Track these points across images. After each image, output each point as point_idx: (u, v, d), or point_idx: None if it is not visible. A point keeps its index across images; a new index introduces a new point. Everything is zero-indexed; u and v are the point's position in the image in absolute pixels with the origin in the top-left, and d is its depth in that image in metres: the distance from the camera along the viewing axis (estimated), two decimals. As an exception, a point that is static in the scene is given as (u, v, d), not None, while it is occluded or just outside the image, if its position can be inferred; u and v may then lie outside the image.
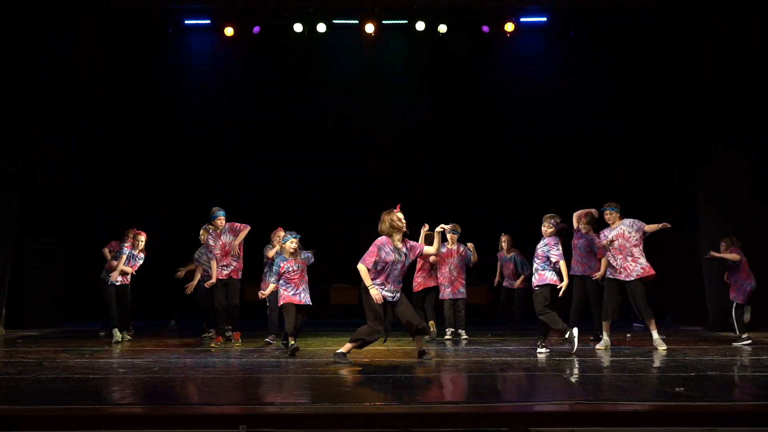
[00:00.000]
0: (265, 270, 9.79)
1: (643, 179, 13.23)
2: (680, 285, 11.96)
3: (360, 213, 10.31)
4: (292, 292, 8.27)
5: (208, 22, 13.73)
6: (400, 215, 7.43)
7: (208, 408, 5.07)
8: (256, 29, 13.56)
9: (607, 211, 8.64)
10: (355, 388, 6.01)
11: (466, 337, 9.93)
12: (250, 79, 14.22)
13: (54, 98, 12.15)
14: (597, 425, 4.70)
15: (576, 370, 6.72)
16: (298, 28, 13.42)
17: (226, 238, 9.53)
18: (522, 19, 13.68)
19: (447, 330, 10.14)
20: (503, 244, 11.34)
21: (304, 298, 8.34)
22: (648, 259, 8.48)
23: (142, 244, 9.98)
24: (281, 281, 8.33)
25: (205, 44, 13.97)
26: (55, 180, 12.13)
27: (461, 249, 10.19)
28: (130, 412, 5.00)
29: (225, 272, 9.52)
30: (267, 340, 9.47)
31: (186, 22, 13.77)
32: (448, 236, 9.87)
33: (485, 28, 13.61)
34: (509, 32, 13.57)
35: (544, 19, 13.89)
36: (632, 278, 8.37)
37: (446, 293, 10.10)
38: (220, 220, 9.51)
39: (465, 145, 14.15)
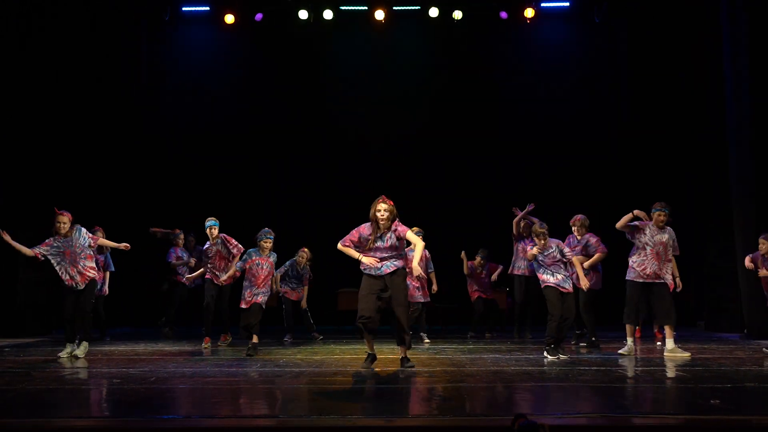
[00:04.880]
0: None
1: (672, 177, 13.12)
2: (715, 290, 11.88)
3: (367, 212, 10.19)
4: (255, 292, 9.05)
5: (207, 8, 13.80)
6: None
7: (208, 421, 5.04)
8: (259, 16, 13.57)
9: (660, 212, 8.45)
10: (365, 399, 5.97)
11: (428, 341, 10.46)
12: (250, 70, 14.19)
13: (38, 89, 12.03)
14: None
15: (599, 380, 6.67)
16: (303, 15, 13.43)
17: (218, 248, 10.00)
18: (543, 5, 13.65)
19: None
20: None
21: (261, 299, 9.12)
22: (680, 261, 8.52)
23: (61, 226, 8.60)
24: (246, 279, 9.13)
25: (203, 32, 13.94)
26: (39, 179, 11.97)
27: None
28: (121, 426, 4.95)
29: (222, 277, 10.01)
30: (285, 339, 10.70)
31: (184, 9, 13.83)
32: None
33: (503, 14, 13.55)
34: (529, 19, 13.52)
35: (567, 4, 13.85)
36: (664, 281, 8.45)
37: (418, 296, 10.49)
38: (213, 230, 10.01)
39: (479, 140, 14.09)
